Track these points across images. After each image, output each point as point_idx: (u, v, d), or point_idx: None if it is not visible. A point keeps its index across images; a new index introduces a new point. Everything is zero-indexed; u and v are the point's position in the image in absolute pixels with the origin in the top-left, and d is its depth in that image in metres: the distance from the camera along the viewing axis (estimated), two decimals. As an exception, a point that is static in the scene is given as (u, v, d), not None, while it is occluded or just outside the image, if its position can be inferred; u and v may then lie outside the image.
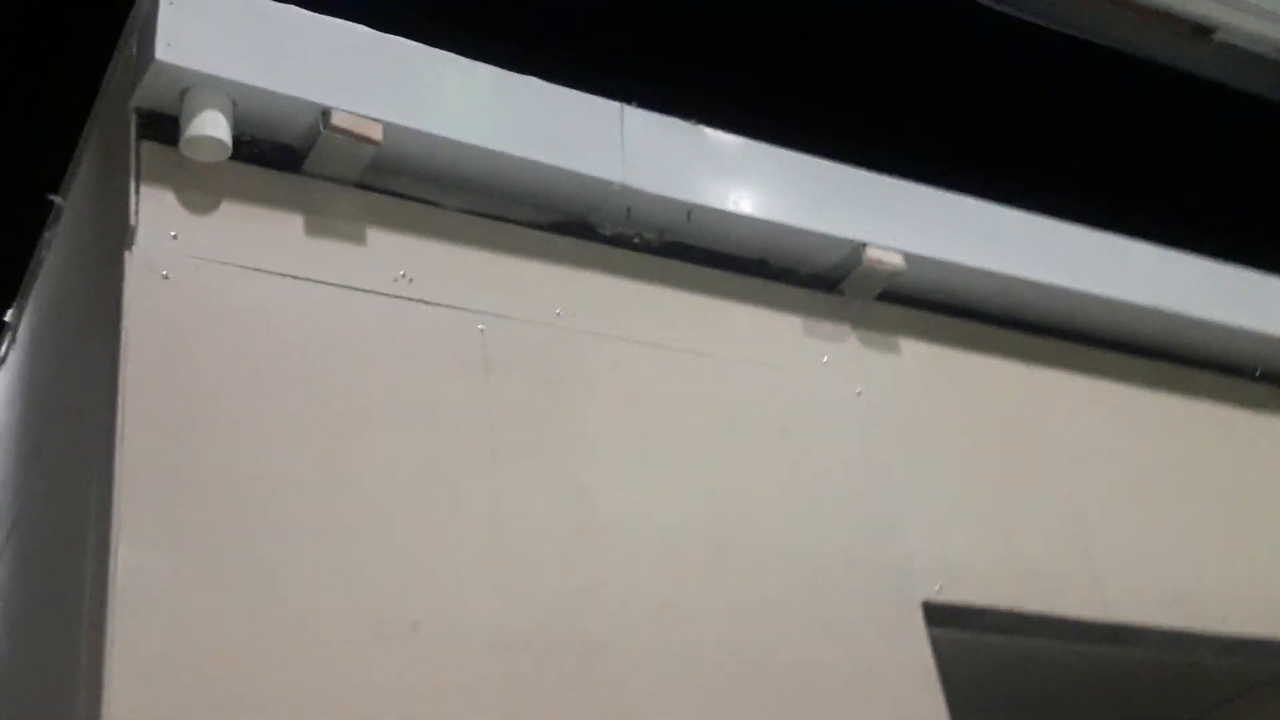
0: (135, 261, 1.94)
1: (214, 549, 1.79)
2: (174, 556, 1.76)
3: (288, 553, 1.84)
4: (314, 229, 2.13)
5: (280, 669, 1.75)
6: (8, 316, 2.77)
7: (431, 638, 1.87)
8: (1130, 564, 2.58)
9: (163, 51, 2.00)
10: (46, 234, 2.54)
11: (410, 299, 2.15)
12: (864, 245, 2.58)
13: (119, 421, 1.82)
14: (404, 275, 2.17)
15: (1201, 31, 3.86)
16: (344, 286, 2.10)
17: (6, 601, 2.37)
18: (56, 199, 2.46)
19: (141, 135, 2.05)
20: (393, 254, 2.18)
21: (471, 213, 2.31)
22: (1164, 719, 3.06)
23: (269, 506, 1.86)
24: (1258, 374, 3.13)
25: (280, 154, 2.16)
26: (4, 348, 2.80)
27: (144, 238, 1.97)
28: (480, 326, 2.19)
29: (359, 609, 1.84)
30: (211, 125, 2.02)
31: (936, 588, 2.33)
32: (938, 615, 2.30)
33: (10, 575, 2.37)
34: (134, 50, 2.09)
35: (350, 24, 2.21)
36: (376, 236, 2.19)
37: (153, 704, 1.64)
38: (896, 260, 2.60)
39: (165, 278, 1.95)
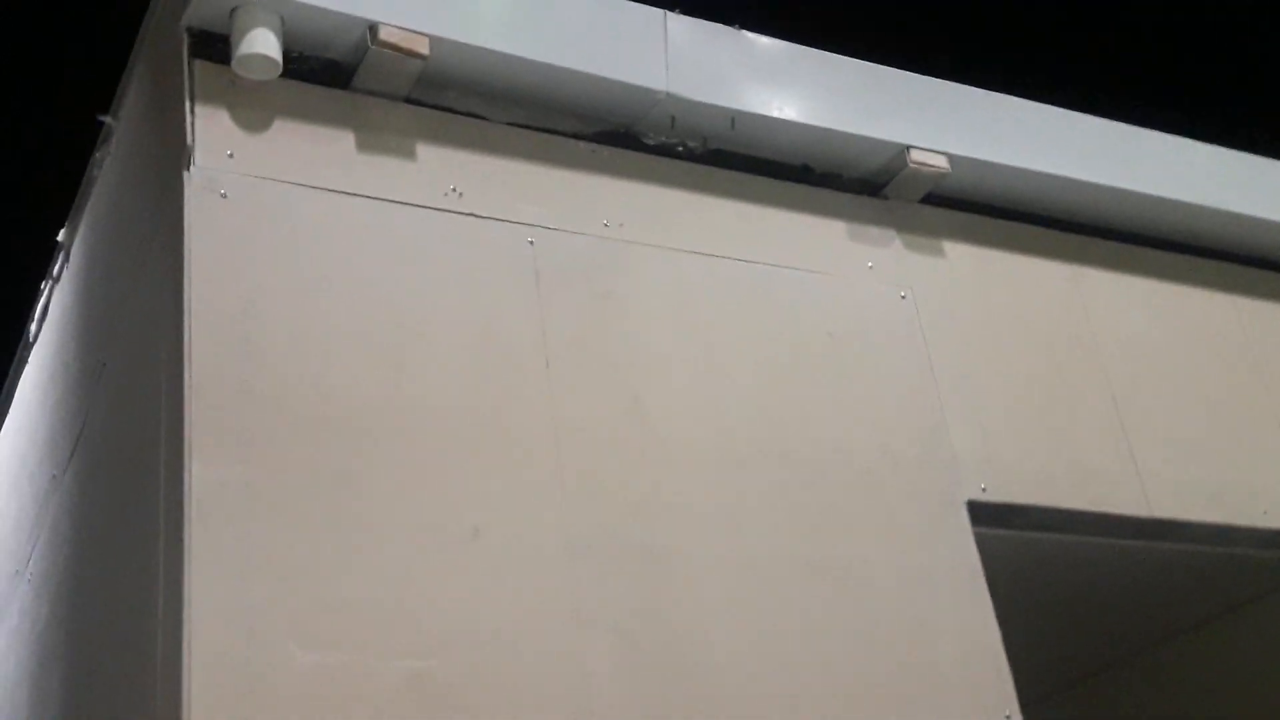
0: (194, 181, 1.97)
1: (283, 461, 1.84)
2: (245, 469, 1.81)
3: (353, 463, 1.89)
4: (365, 145, 2.16)
5: (349, 575, 1.81)
6: (60, 236, 2.82)
7: (492, 543, 1.93)
8: (1172, 460, 2.61)
9: (213, -30, 2.01)
10: (97, 154, 2.57)
11: (461, 213, 2.18)
12: (908, 148, 2.58)
13: (186, 338, 1.87)
14: (454, 190, 2.19)
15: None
16: (397, 202, 2.13)
17: (77, 509, 2.44)
18: (107, 119, 2.48)
19: (193, 54, 2.06)
20: (442, 168, 2.20)
21: (518, 125, 2.33)
22: (1202, 612, 3.11)
23: (333, 419, 1.91)
24: (1300, 269, 3.13)
25: (329, 70, 2.18)
26: (59, 266, 2.85)
27: (201, 157, 2.00)
28: (530, 239, 2.22)
29: (422, 516, 1.90)
30: (262, 43, 2.04)
31: (982, 487, 2.37)
32: (982, 514, 2.34)
33: (79, 485, 2.45)
34: (183, -31, 2.10)
35: (395, -63, 2.20)
36: (426, 151, 2.21)
37: (231, 608, 1.71)
38: (941, 163, 2.60)
39: (224, 196, 1.99)
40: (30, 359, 2.96)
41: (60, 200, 2.79)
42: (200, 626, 1.67)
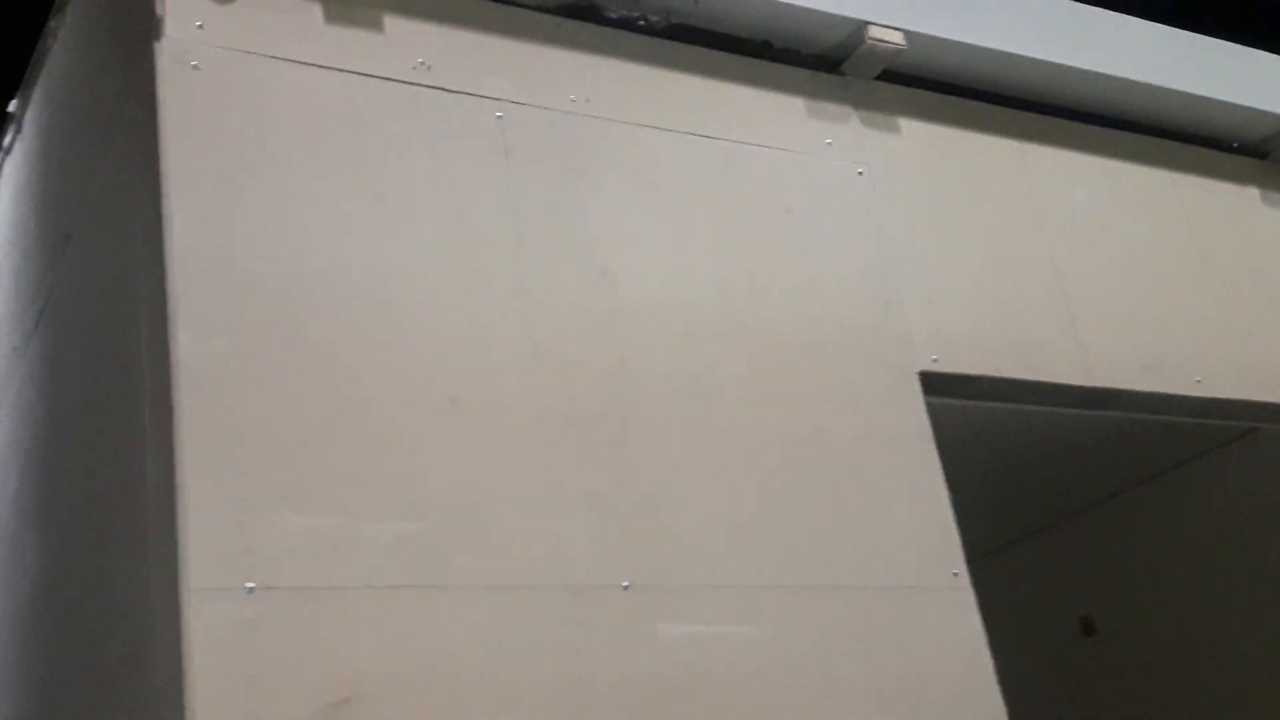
0: (165, 53, 1.97)
1: (265, 332, 1.88)
2: (229, 340, 1.85)
3: (333, 334, 1.93)
4: (333, 17, 2.15)
5: (335, 442, 1.86)
6: (12, 107, 2.78)
7: (469, 411, 1.99)
8: (1111, 331, 2.72)
9: None
10: (51, 24, 2.53)
11: (430, 86, 2.20)
12: (866, 24, 2.62)
13: (166, 211, 1.88)
14: (422, 63, 2.20)
15: None
16: (367, 75, 2.14)
17: (45, 378, 2.46)
18: (62, -13, 2.44)
19: (158, -77, 2.04)
20: (410, 41, 2.21)
21: (484, -2, 2.33)
22: (1137, 474, 3.27)
23: (312, 290, 1.94)
24: (1235, 146, 3.23)
25: (296, -60, 2.16)
26: (10, 138, 2.81)
27: (171, 29, 1.99)
28: (499, 114, 2.24)
29: (401, 385, 1.95)
30: (229, -88, 2.02)
31: (933, 358, 2.47)
32: (934, 384, 2.44)
33: (46, 354, 2.46)
34: None
35: None
36: (394, 23, 2.21)
37: (223, 475, 1.75)
38: (897, 39, 2.65)
39: (195, 68, 1.99)
40: (-19, 230, 2.94)
41: (10, 71, 2.75)
42: (195, 493, 1.72)
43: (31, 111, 2.68)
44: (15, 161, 2.80)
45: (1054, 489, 3.36)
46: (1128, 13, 3.03)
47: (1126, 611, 3.44)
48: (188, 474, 1.73)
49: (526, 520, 1.95)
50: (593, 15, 2.45)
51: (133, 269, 1.99)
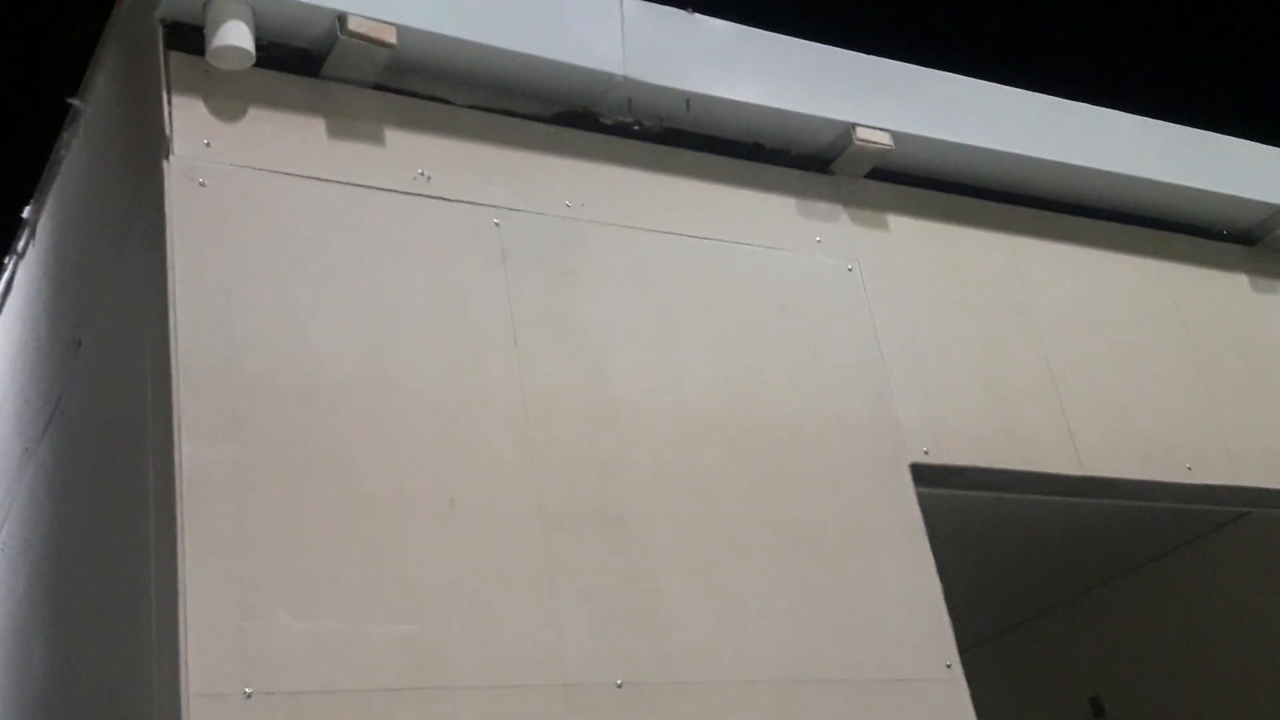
0: (174, 170, 2.05)
1: (269, 438, 1.94)
2: (233, 447, 1.91)
3: (335, 439, 1.99)
4: (336, 131, 2.24)
5: (335, 547, 1.91)
6: (26, 213, 2.86)
7: (468, 512, 2.04)
8: (1102, 420, 2.77)
9: (186, -36, 2.07)
10: (65, 135, 2.62)
11: (429, 196, 2.27)
12: (853, 126, 2.70)
13: (172, 322, 1.95)
14: (422, 174, 2.28)
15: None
16: (369, 187, 2.21)
17: (55, 481, 2.52)
18: (76, 102, 2.53)
19: (169, 46, 2.13)
20: (411, 153, 2.29)
21: (482, 108, 2.41)
22: (1129, 560, 3.30)
23: (315, 397, 2.00)
24: (1224, 233, 3.29)
25: (300, 59, 2.25)
26: (24, 242, 2.90)
27: (180, 147, 2.07)
28: (496, 220, 2.31)
29: (401, 489, 2.00)
30: (236, 35, 2.11)
31: (924, 450, 2.51)
32: (925, 475, 2.49)
33: (56, 458, 2.52)
34: (155, -39, 2.16)
35: (362, -71, 2.27)
36: (394, 136, 2.29)
37: (224, 581, 1.80)
38: (884, 139, 2.72)
39: (202, 185, 2.06)
40: (-6, 332, 3.02)
41: (26, 178, 2.84)
42: (195, 600, 1.77)
43: (45, 218, 2.76)
44: (29, 267, 2.88)
45: (1049, 576, 3.39)
46: (1111, 106, 3.11)
47: (1134, 692, 3.46)
48: (189, 580, 1.78)
49: (523, 619, 1.99)
50: (588, 123, 2.53)
51: (140, 377, 2.05)
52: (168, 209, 2.02)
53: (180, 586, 1.78)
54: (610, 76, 2.47)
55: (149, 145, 2.12)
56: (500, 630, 1.96)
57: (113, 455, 2.19)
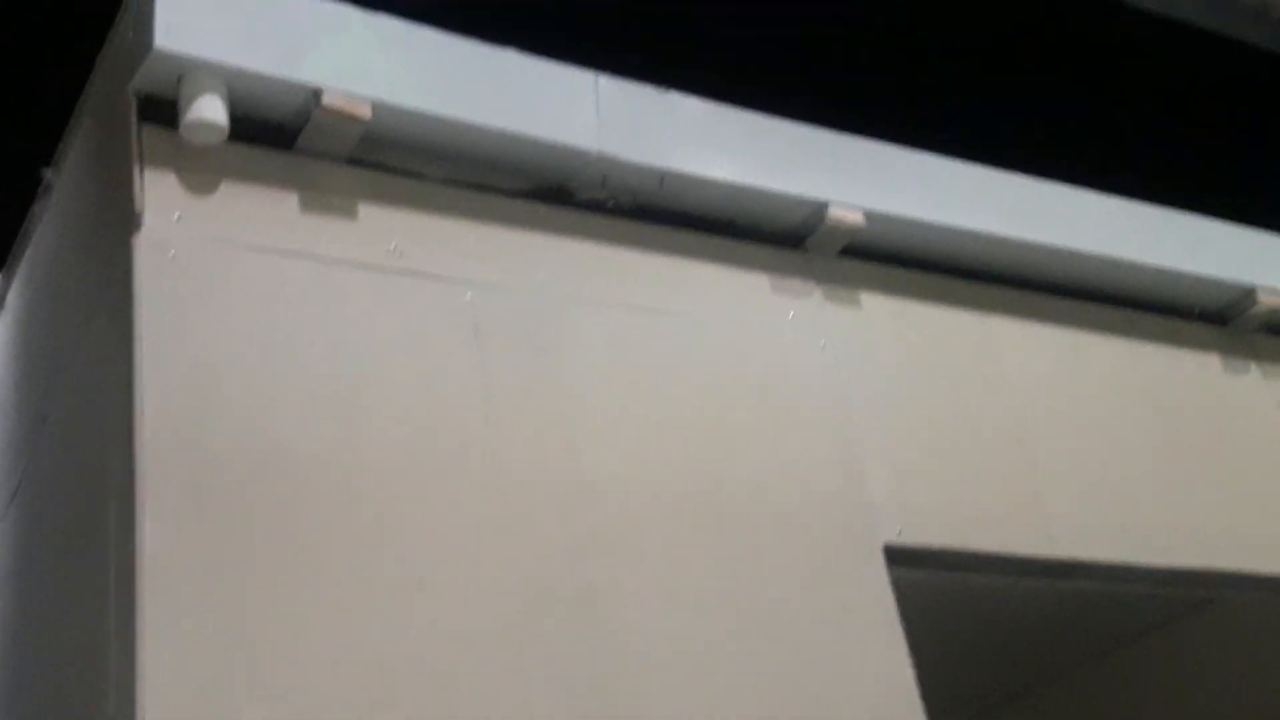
0: (143, 244, 2.03)
1: (233, 518, 1.91)
2: (196, 527, 1.87)
3: (301, 519, 1.96)
4: (309, 205, 2.23)
5: (298, 630, 1.87)
6: (-5, 284, 2.84)
7: (436, 593, 2.01)
8: (1075, 502, 2.76)
9: (161, 39, 2.07)
10: (36, 207, 2.60)
11: (402, 271, 2.26)
12: (826, 204, 2.71)
13: (137, 400, 1.92)
14: (395, 248, 2.27)
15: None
16: (340, 261, 2.20)
17: (16, 555, 2.47)
18: (48, 174, 2.52)
19: (141, 119, 2.12)
20: (384, 227, 2.28)
21: (456, 183, 2.41)
22: (1104, 642, 3.28)
23: (282, 476, 1.97)
24: (1195, 313, 3.31)
25: (273, 133, 2.25)
26: (-7, 313, 2.87)
27: (150, 220, 2.05)
28: (469, 296, 2.30)
29: (368, 571, 1.97)
30: (209, 109, 2.10)
31: (897, 531, 2.49)
32: (898, 557, 2.47)
33: (18, 532, 2.48)
34: (130, 37, 2.16)
35: (338, 4, 2.29)
36: (368, 210, 2.28)
37: (182, 666, 1.76)
38: (857, 218, 2.73)
39: (172, 259, 2.05)
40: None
41: (-4, 250, 2.82)
42: (151, 684, 1.73)
43: (14, 291, 2.74)
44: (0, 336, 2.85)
45: (1022, 658, 3.36)
46: (1083, 185, 3.13)
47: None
48: (147, 666, 1.74)
49: (492, 703, 1.95)
50: (562, 198, 2.53)
51: (104, 453, 2.02)
52: (136, 283, 2.00)
53: (137, 671, 1.74)
54: (585, 153, 2.48)
55: (119, 218, 2.10)
56: (469, 714, 1.92)
57: (74, 533, 2.15)
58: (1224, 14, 4.32)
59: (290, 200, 2.22)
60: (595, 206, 2.56)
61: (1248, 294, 3.25)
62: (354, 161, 2.31)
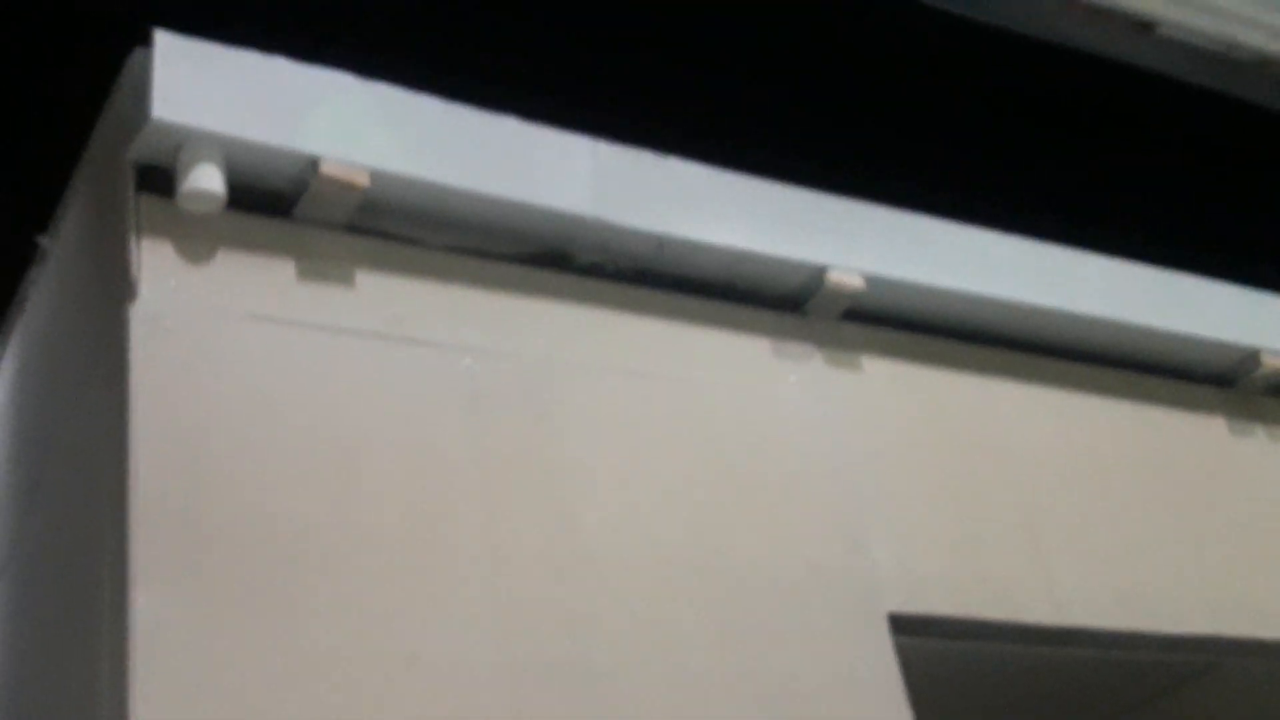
0: (138, 314, 2.02)
1: (226, 590, 1.89)
2: (189, 599, 1.85)
3: (295, 591, 1.93)
4: (306, 274, 2.22)
5: (289, 704, 1.85)
6: (-9, 350, 2.83)
7: (429, 667, 1.98)
8: (1082, 568, 2.73)
9: (159, 109, 2.07)
10: (32, 274, 2.60)
11: (400, 338, 2.25)
12: (825, 268, 2.70)
13: (130, 469, 1.91)
14: (393, 316, 2.26)
15: (1144, 26, 4.02)
16: (338, 329, 2.19)
17: (9, 622, 2.44)
18: (43, 240, 2.52)
19: (139, 188, 2.12)
20: (382, 295, 2.27)
21: (455, 249, 2.40)
22: (1109, 710, 3.23)
23: (276, 546, 1.95)
24: (1200, 376, 3.29)
25: (271, 201, 2.24)
26: (-12, 379, 2.86)
27: (146, 290, 2.05)
28: (467, 362, 2.29)
29: (360, 644, 1.94)
30: (207, 179, 2.10)
31: (902, 599, 2.46)
32: (903, 625, 2.43)
33: (12, 599, 2.45)
34: (128, 105, 2.16)
35: (337, 73, 2.29)
36: (366, 279, 2.28)
37: (174, 743, 1.74)
38: (857, 282, 2.72)
39: (168, 328, 2.04)
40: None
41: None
42: (143, 762, 1.70)
43: (8, 357, 2.73)
44: (-7, 401, 2.83)
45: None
46: (1086, 248, 3.12)
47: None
48: (139, 748, 1.71)
49: (486, 781, 1.92)
50: (561, 264, 2.52)
51: (98, 523, 2.00)
52: (130, 352, 1.99)
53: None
54: (583, 219, 2.47)
55: (115, 286, 2.09)
56: (461, 792, 1.89)
57: (67, 602, 2.13)
58: (1227, 74, 4.33)
59: (287, 268, 2.21)
60: (594, 271, 2.55)
61: (1252, 356, 3.23)
62: (352, 229, 2.31)
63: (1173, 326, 3.15)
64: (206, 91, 2.14)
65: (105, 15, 2.27)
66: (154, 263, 2.08)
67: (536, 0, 2.67)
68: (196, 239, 2.14)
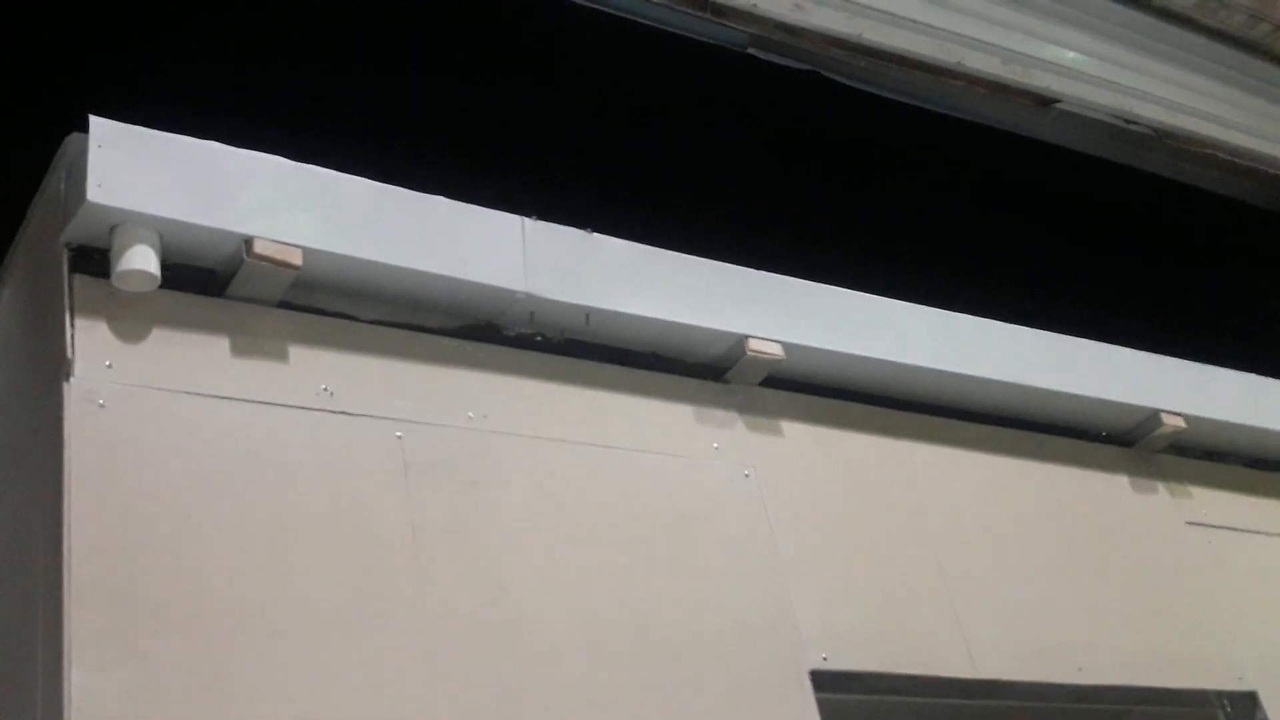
0: (74, 392, 2.06)
1: (160, 665, 1.92)
2: (123, 675, 1.88)
3: (227, 663, 1.97)
4: (240, 349, 2.27)
5: (227, 774, 1.88)
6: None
7: (365, 735, 2.01)
8: (994, 623, 2.83)
9: (94, 193, 2.13)
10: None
11: (332, 411, 2.30)
12: (746, 337, 2.80)
13: (65, 547, 1.94)
14: (325, 389, 2.32)
15: (1044, 102, 4.21)
16: (270, 404, 2.24)
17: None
18: (-23, 319, 2.54)
19: (73, 269, 2.17)
20: (314, 369, 2.33)
21: (386, 323, 2.47)
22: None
23: (210, 620, 1.99)
24: (1103, 435, 3.43)
25: (205, 279, 2.30)
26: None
27: (81, 369, 2.09)
28: (398, 433, 2.34)
29: (298, 714, 1.98)
30: (141, 259, 2.15)
31: (823, 656, 2.54)
32: (824, 682, 2.52)
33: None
34: (62, 188, 2.21)
35: (269, 156, 2.35)
36: (298, 353, 2.33)
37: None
38: (776, 350, 2.83)
39: (102, 406, 2.08)
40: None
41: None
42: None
43: (-60, 432, 2.73)
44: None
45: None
46: (993, 317, 3.26)
47: None
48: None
49: (421, 846, 1.96)
50: (491, 335, 2.60)
51: (32, 603, 2.02)
52: (66, 431, 2.03)
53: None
54: (512, 293, 2.55)
55: (51, 365, 2.13)
56: None
57: (3, 676, 2.14)
58: (1122, 145, 4.54)
59: (221, 345, 2.26)
60: (524, 342, 2.63)
61: (1152, 416, 3.38)
62: (285, 305, 2.36)
63: (1076, 389, 3.29)
64: (141, 174, 2.19)
65: (40, 100, 2.32)
66: (89, 342, 2.12)
67: (465, 89, 2.76)
68: (131, 318, 2.18)
